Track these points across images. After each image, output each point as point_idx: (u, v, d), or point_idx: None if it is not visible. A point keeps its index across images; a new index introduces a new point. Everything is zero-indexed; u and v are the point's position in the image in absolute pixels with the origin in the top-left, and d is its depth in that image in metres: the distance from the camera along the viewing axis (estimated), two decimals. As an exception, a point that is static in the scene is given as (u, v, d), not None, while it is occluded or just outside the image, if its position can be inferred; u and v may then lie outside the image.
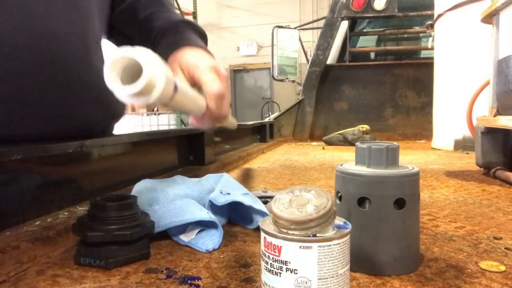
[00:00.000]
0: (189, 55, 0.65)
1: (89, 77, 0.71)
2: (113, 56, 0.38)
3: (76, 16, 0.68)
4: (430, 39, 2.62)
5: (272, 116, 3.51)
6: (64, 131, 0.70)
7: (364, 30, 3.57)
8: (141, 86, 0.38)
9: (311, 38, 7.30)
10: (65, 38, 0.65)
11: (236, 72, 9.24)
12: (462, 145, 1.93)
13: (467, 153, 1.79)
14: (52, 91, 0.64)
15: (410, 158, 1.68)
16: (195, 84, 0.62)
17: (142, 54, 0.38)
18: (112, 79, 0.38)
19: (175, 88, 0.45)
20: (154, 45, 0.73)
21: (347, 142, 2.40)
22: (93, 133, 0.77)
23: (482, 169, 1.21)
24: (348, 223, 0.36)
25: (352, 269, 0.36)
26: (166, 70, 0.42)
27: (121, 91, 0.38)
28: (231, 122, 0.71)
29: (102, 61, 0.76)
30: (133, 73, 0.38)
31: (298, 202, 0.34)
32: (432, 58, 2.36)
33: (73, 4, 0.67)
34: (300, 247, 0.32)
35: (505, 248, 0.52)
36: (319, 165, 1.49)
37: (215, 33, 8.75)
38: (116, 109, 0.83)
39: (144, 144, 0.96)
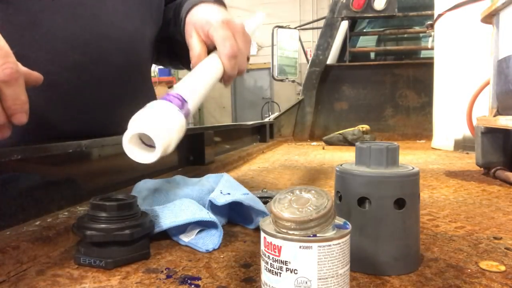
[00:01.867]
0: (200, 13, 0.67)
1: (136, 79, 0.81)
2: (128, 134, 0.43)
3: (131, 26, 0.77)
4: (430, 39, 2.62)
5: (272, 116, 3.51)
6: (105, 127, 0.77)
7: (364, 30, 3.57)
8: (157, 157, 0.43)
9: (311, 38, 7.30)
10: (119, 42, 0.74)
11: (236, 72, 9.23)
12: (462, 145, 1.93)
13: (467, 153, 1.79)
14: (103, 86, 0.73)
15: (410, 158, 1.68)
16: (212, 43, 0.63)
17: (152, 124, 0.42)
18: (131, 152, 0.43)
19: (187, 116, 0.49)
20: (176, 17, 0.78)
21: (347, 142, 2.40)
22: None
23: (482, 169, 1.21)
24: (348, 223, 0.36)
25: (352, 269, 0.36)
26: (178, 123, 0.46)
27: (141, 160, 0.44)
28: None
29: (149, 66, 0.89)
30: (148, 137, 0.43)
31: (298, 202, 0.34)
32: (432, 58, 2.35)
33: (131, 17, 0.77)
34: (300, 247, 0.32)
35: (505, 248, 0.52)
36: (319, 165, 1.49)
37: (215, 33, 8.74)
38: None
39: (144, 144, 0.96)
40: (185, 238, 0.53)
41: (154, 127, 0.42)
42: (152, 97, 0.90)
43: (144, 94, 0.85)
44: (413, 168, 0.44)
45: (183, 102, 0.48)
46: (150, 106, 0.45)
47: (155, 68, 8.37)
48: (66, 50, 0.66)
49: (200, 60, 0.61)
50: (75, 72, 0.68)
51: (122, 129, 0.80)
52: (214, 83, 0.60)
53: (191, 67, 0.63)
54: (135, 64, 0.80)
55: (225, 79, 0.63)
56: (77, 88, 0.69)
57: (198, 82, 0.56)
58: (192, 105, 0.51)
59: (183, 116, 0.48)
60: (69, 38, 0.66)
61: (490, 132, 1.13)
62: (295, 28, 4.23)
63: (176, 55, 0.90)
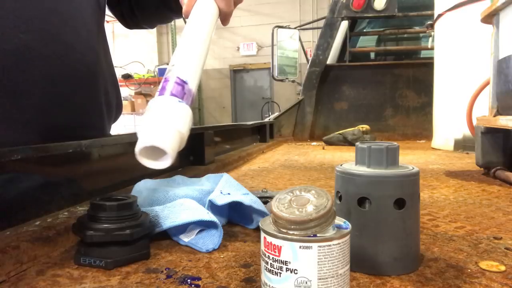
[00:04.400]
0: None
1: (89, 58, 0.73)
2: (137, 148, 0.42)
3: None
4: (430, 39, 2.63)
5: (272, 116, 3.51)
6: (65, 118, 0.70)
7: (364, 30, 3.57)
8: (172, 161, 0.42)
9: (311, 38, 7.31)
10: (68, 15, 0.67)
11: (236, 72, 9.25)
12: (462, 145, 1.93)
13: (467, 153, 1.79)
14: (53, 67, 0.65)
15: (410, 158, 1.68)
16: None
17: (157, 135, 0.42)
18: (144, 161, 0.43)
19: (191, 99, 0.48)
20: None
21: (347, 142, 2.40)
22: (89, 121, 0.77)
23: (482, 169, 1.21)
24: (348, 223, 0.36)
25: (352, 269, 0.36)
26: (183, 118, 0.45)
27: (158, 167, 0.43)
28: None
29: (103, 44, 0.81)
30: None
31: (298, 202, 0.34)
32: (432, 58, 2.36)
33: None
34: (300, 247, 0.32)
35: (505, 248, 0.52)
36: (319, 165, 1.49)
37: (215, 33, 8.76)
38: (111, 99, 0.84)
39: (144, 144, 0.96)
40: (185, 238, 0.53)
41: (160, 137, 0.42)
42: (111, 76, 0.83)
43: (100, 75, 0.78)
44: (413, 168, 0.44)
45: (183, 86, 0.47)
46: (153, 111, 0.45)
47: (155, 68, 8.37)
48: (8, 28, 0.57)
49: (192, 5, 0.57)
50: (22, 55, 0.60)
51: (84, 120, 0.76)
52: (212, 32, 0.57)
53: (183, 14, 0.58)
54: (85, 39, 0.72)
55: (222, 18, 0.59)
56: (26, 75, 0.61)
57: (195, 47, 0.53)
58: (193, 83, 0.49)
59: (187, 105, 0.47)
60: (11, 14, 0.57)
61: (490, 132, 1.13)
62: (295, 28, 4.23)
63: (163, 3, 0.84)
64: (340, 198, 0.45)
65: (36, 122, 0.64)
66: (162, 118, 0.43)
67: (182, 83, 0.47)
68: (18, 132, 0.62)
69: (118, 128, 0.90)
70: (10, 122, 0.61)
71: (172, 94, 0.46)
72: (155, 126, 0.42)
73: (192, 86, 0.49)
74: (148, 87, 8.22)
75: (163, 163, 0.42)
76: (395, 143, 0.45)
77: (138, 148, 0.42)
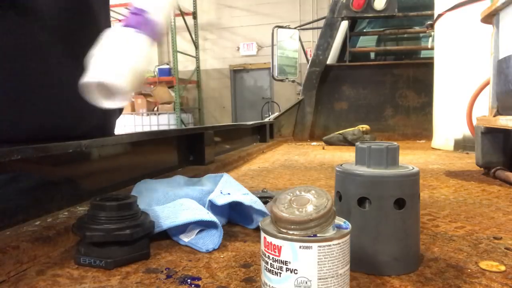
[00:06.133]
0: None
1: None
2: (86, 82, 0.38)
3: None
4: (430, 39, 2.63)
5: (272, 116, 3.51)
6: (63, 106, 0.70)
7: (364, 30, 3.57)
8: (127, 99, 0.39)
9: (311, 38, 7.30)
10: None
11: (236, 72, 9.24)
12: (462, 145, 1.93)
13: (467, 153, 1.79)
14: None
15: (410, 158, 1.68)
16: None
17: (109, 71, 0.38)
18: (96, 98, 0.39)
19: (152, 29, 0.44)
20: None
21: (347, 142, 2.40)
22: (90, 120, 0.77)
23: (482, 169, 1.21)
24: (348, 223, 0.36)
25: (352, 269, 0.36)
26: (139, 52, 0.41)
27: (109, 106, 0.40)
28: None
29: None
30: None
31: (298, 202, 0.34)
32: (432, 58, 2.36)
33: None
34: (300, 247, 0.32)
35: (505, 248, 0.52)
36: (319, 165, 1.49)
37: (215, 33, 8.79)
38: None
39: (144, 144, 0.96)
40: (185, 238, 0.53)
41: (112, 74, 0.38)
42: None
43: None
44: (413, 168, 0.44)
45: (141, 14, 0.43)
46: (103, 44, 0.40)
47: (155, 68, 8.36)
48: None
49: None
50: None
51: (85, 122, 0.75)
52: None
53: None
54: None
55: None
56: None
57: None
58: (157, 12, 0.45)
59: (147, 35, 0.42)
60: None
61: (490, 132, 1.13)
62: (295, 28, 4.23)
63: None
64: (340, 198, 0.45)
65: (43, 125, 0.65)
66: (111, 52, 0.39)
67: (140, 12, 0.43)
68: (25, 134, 0.62)
69: (118, 128, 0.90)
70: (24, 123, 0.62)
71: (127, 25, 0.42)
72: (104, 61, 0.39)
73: (155, 15, 0.44)
74: (148, 87, 8.21)
75: (118, 102, 0.39)
76: (395, 143, 0.45)
77: (85, 81, 0.38)
